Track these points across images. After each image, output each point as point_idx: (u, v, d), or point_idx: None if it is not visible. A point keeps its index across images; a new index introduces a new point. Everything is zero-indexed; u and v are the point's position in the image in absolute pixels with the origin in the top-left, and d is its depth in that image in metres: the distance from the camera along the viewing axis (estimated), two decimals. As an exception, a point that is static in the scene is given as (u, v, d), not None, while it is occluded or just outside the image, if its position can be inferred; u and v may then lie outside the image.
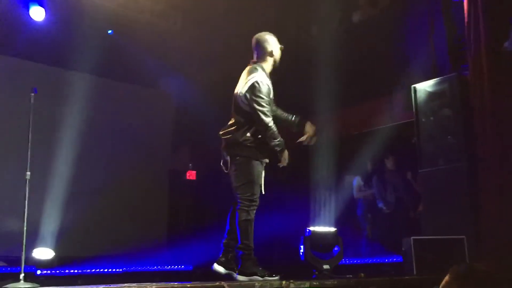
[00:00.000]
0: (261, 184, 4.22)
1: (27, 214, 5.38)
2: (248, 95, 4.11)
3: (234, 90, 4.35)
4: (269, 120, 4.12)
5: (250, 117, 4.15)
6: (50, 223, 7.34)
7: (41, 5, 7.43)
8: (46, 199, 7.35)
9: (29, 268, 5.50)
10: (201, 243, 7.24)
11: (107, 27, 8.34)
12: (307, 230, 4.76)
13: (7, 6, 7.32)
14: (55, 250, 7.27)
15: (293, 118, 4.54)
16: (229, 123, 4.27)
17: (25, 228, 5.37)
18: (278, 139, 4.19)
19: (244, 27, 8.02)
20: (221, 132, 4.25)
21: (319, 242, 4.73)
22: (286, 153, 4.31)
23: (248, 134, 4.15)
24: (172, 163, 9.34)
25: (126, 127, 8.58)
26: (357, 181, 7.70)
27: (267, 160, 4.32)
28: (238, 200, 4.16)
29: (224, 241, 4.28)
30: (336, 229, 4.87)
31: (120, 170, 8.34)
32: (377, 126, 7.61)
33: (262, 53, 4.31)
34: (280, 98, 7.89)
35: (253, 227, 4.17)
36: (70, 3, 7.90)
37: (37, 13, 7.41)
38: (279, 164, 4.32)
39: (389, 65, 7.47)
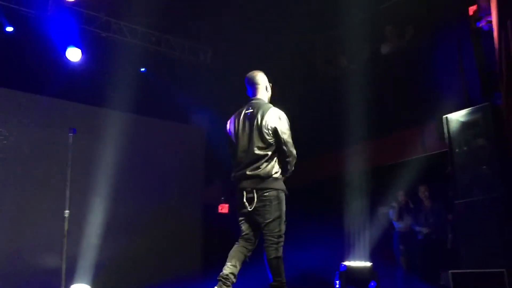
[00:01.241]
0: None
1: (66, 250, 5.53)
2: (278, 128, 4.12)
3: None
4: (294, 150, 4.19)
5: (277, 150, 4.13)
6: (88, 259, 7.46)
7: (77, 47, 7.74)
8: (83, 235, 7.49)
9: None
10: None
11: (140, 65, 8.59)
12: (342, 265, 4.72)
13: (45, 49, 7.63)
14: (92, 285, 7.36)
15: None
16: (252, 159, 4.11)
17: (63, 265, 5.51)
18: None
19: (274, 61, 8.20)
20: (249, 172, 4.07)
21: (354, 276, 4.71)
22: None
23: (277, 167, 4.13)
24: (205, 197, 9.42)
25: (160, 162, 8.74)
26: (391, 213, 7.61)
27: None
28: (265, 237, 4.04)
29: (223, 274, 4.02)
30: (371, 263, 4.81)
31: (155, 204, 8.46)
32: (409, 157, 7.55)
33: (261, 90, 4.37)
34: (311, 130, 7.98)
35: (283, 263, 4.06)
36: (104, 43, 8.20)
37: (74, 54, 7.72)
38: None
39: (419, 95, 7.47)
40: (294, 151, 4.15)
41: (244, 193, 4.07)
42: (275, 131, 4.11)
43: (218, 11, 7.84)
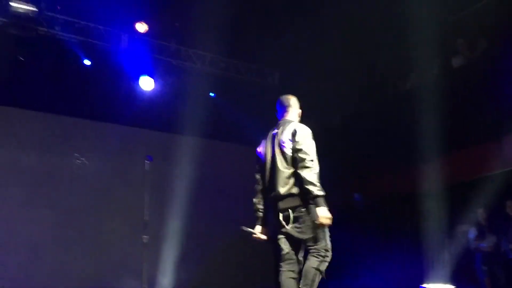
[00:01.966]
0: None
1: (145, 274, 5.68)
2: (293, 139, 3.96)
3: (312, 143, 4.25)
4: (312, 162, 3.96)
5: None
6: (166, 282, 7.63)
7: (150, 76, 8.04)
8: (161, 259, 7.67)
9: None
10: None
11: (209, 90, 8.78)
12: (422, 288, 4.55)
13: (120, 79, 7.99)
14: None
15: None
16: (281, 178, 3.99)
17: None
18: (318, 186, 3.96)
19: (344, 79, 8.17)
20: (281, 192, 3.96)
21: (437, 300, 4.51)
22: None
23: None
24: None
25: (232, 185, 8.84)
26: (472, 232, 7.29)
27: None
28: (310, 252, 3.85)
29: None
30: (454, 286, 4.62)
31: (228, 226, 8.53)
32: (488, 173, 7.23)
33: (291, 112, 4.28)
34: (385, 146, 7.85)
35: (320, 279, 3.84)
36: (175, 71, 8.47)
37: (147, 84, 8.03)
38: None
39: (495, 108, 7.18)
40: (311, 161, 3.88)
41: (280, 213, 3.95)
42: (302, 141, 3.95)
43: (284, 33, 7.92)
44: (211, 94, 8.86)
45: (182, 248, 7.82)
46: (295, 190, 3.93)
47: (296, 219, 3.91)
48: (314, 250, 3.85)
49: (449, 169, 7.50)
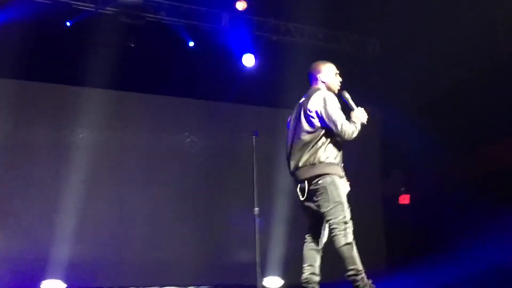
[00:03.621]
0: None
1: (258, 245, 5.87)
2: (320, 108, 3.85)
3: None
4: (347, 126, 3.85)
5: (326, 133, 3.88)
6: (277, 253, 7.85)
7: (251, 52, 8.19)
8: (272, 230, 7.89)
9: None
10: (422, 270, 7.05)
11: (309, 63, 8.75)
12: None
13: (222, 58, 8.21)
14: (283, 277, 7.75)
15: None
16: (301, 147, 3.91)
17: (258, 259, 5.86)
18: (358, 128, 3.95)
19: (450, 44, 7.77)
20: (300, 162, 3.88)
21: None
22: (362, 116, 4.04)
23: (329, 151, 3.88)
24: (384, 189, 9.31)
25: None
26: None
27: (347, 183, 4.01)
28: (331, 227, 3.79)
29: (302, 278, 3.98)
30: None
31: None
32: None
33: (319, 80, 4.13)
34: (503, 114, 7.39)
35: (356, 249, 3.77)
36: (275, 47, 8.54)
37: (249, 60, 8.20)
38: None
39: None
40: (344, 126, 3.82)
41: (299, 184, 3.92)
42: (317, 112, 3.86)
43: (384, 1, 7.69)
44: (311, 67, 8.82)
45: (292, 220, 7.97)
46: (314, 159, 3.85)
47: (313, 192, 3.85)
48: (334, 226, 3.77)
49: None
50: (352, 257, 3.73)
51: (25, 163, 7.33)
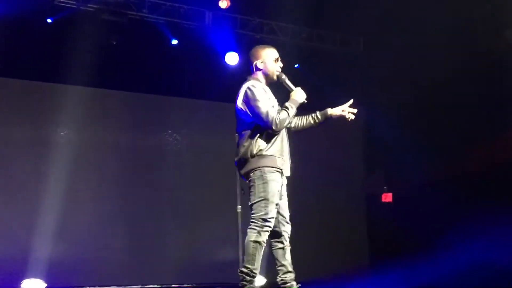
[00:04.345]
0: (277, 202, 3.75)
1: (241, 243, 5.87)
2: (245, 99, 3.78)
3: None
4: (273, 115, 3.69)
5: (256, 126, 3.78)
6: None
7: (234, 51, 8.17)
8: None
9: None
10: (405, 268, 7.08)
11: (294, 61, 8.78)
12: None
13: (205, 56, 8.18)
14: (266, 277, 7.72)
15: (314, 114, 4.17)
16: (238, 142, 3.89)
17: (240, 257, 5.85)
18: (293, 111, 3.82)
19: (432, 40, 7.80)
20: (237, 157, 3.86)
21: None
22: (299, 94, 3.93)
23: (262, 143, 3.77)
24: (366, 187, 9.35)
25: (319, 154, 8.86)
26: None
27: (287, 173, 3.90)
28: (250, 220, 3.72)
29: (278, 279, 3.87)
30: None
31: (317, 196, 8.63)
32: None
33: (255, 67, 4.00)
34: (478, 110, 7.46)
35: (262, 251, 3.68)
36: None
37: (232, 59, 8.17)
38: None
39: None
40: (270, 117, 3.66)
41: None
42: (241, 107, 3.82)
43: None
44: (296, 66, 8.84)
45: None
46: (245, 153, 3.77)
47: (248, 185, 3.80)
48: (252, 221, 3.70)
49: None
50: (254, 257, 3.65)
51: (5, 161, 7.24)
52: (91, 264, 7.20)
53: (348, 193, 9.11)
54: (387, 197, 9.09)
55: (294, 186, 8.32)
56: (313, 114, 4.17)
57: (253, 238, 3.65)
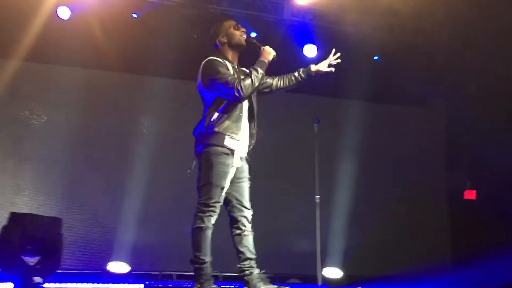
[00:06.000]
0: (224, 186, 3.52)
1: (318, 234, 5.87)
2: (203, 73, 3.61)
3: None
4: (234, 82, 3.48)
5: (216, 99, 3.60)
6: (337, 243, 7.82)
7: (313, 43, 8.14)
8: (332, 220, 7.87)
9: (322, 286, 5.95)
10: (490, 265, 6.83)
11: (373, 53, 8.63)
12: None
13: (283, 49, 8.15)
14: (343, 269, 7.70)
15: (296, 73, 4.04)
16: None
17: (318, 248, 5.86)
18: (257, 74, 3.62)
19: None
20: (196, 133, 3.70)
21: None
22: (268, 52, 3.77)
23: (216, 117, 3.55)
24: (449, 183, 9.07)
25: (400, 149, 8.73)
26: None
27: (242, 154, 3.68)
28: (196, 205, 3.57)
29: (237, 267, 3.74)
30: None
31: (397, 191, 8.47)
32: None
33: (217, 44, 3.82)
34: None
35: (209, 237, 3.52)
36: (337, 36, 8.44)
37: (310, 51, 8.15)
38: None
39: None
40: (229, 82, 3.48)
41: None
42: (201, 85, 3.65)
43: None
44: (375, 57, 8.70)
45: (353, 209, 7.93)
46: (201, 128, 3.60)
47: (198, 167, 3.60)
48: (196, 206, 3.57)
49: None
50: (198, 243, 3.51)
51: (96, 149, 7.54)
52: (172, 251, 7.39)
53: (430, 190, 8.89)
54: (471, 194, 8.76)
55: (378, 179, 8.36)
56: (296, 73, 4.06)
57: (195, 225, 3.53)
